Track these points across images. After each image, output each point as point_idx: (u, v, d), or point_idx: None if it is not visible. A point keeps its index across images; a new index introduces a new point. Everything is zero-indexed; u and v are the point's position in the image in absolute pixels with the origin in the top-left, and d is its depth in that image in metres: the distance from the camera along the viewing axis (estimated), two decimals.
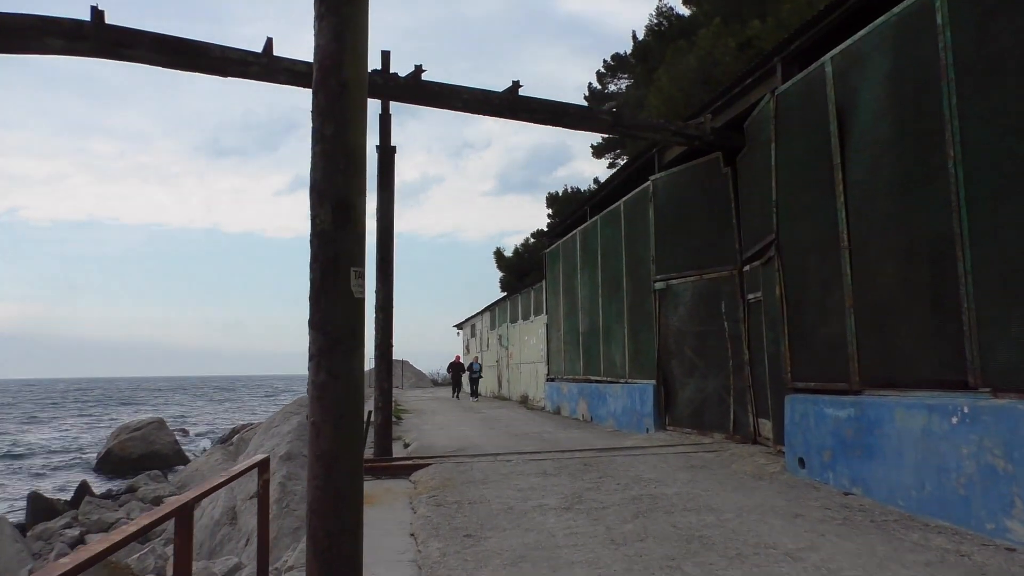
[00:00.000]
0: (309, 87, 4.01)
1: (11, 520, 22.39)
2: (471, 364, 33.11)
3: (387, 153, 11.41)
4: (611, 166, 36.15)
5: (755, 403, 10.98)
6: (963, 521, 5.97)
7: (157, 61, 7.74)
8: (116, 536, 2.22)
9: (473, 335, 40.21)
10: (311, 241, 3.92)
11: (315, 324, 3.83)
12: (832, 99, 8.09)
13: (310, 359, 3.84)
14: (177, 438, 37.90)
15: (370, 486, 9.15)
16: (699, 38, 16.76)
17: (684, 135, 10.57)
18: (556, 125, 9.98)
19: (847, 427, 7.63)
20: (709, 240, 12.08)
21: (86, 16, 7.61)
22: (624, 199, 15.20)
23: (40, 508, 22.56)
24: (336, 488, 3.71)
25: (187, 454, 35.08)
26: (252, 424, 35.22)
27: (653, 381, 13.45)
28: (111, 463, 34.20)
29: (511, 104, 9.38)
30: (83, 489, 24.47)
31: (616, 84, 35.65)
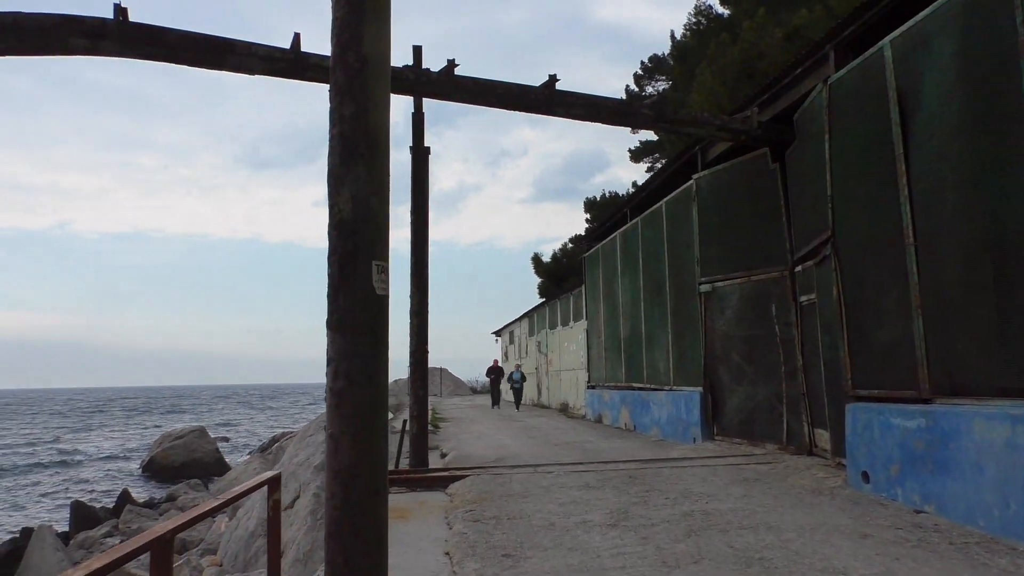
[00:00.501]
0: None
1: (56, 529, 22.64)
2: (511, 373, 29.69)
3: (421, 154, 11.07)
4: (649, 170, 35.54)
5: (810, 412, 10.36)
6: None
7: (182, 59, 7.49)
8: (81, 572, 1.85)
9: (512, 342, 39.81)
10: (328, 233, 3.53)
11: (333, 324, 3.44)
12: (892, 85, 7.52)
13: (328, 363, 3.45)
14: (219, 446, 38.17)
15: (404, 498, 8.77)
16: (743, 30, 16.14)
17: (729, 130, 10.03)
18: (594, 121, 9.52)
19: (917, 439, 7.02)
20: (757, 240, 11.51)
21: (109, 14, 7.39)
22: (666, 199, 14.67)
23: (83, 516, 22.71)
24: (356, 508, 3.30)
25: (228, 462, 35.23)
26: (292, 432, 35.28)
27: (699, 388, 12.88)
28: (154, 471, 34.56)
29: (548, 99, 8.96)
30: (124, 497, 24.60)
31: (654, 86, 35.07)
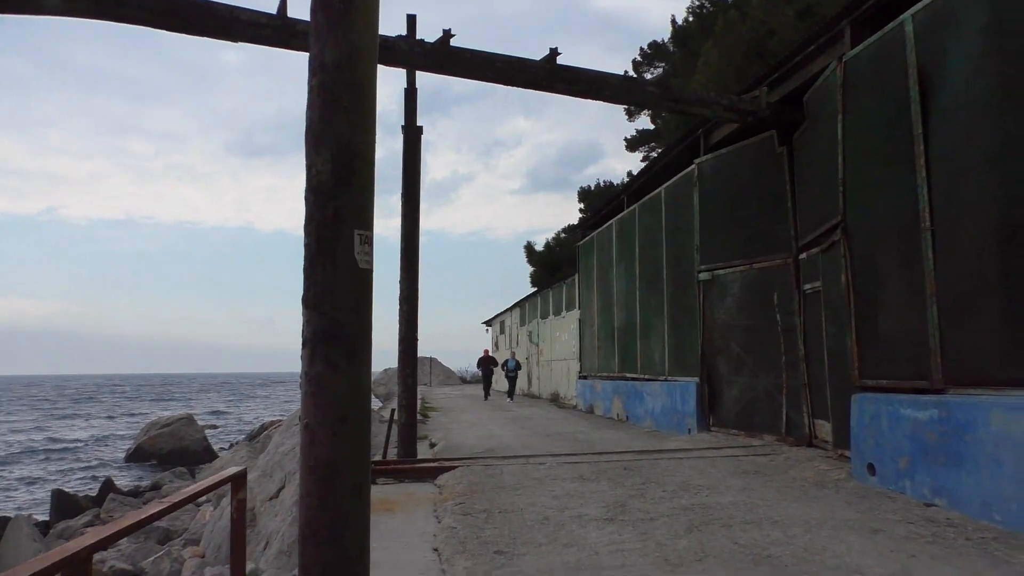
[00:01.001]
0: None
1: (37, 518, 22.21)
2: (506, 361, 28.34)
3: (413, 133, 10.66)
4: (645, 159, 35.14)
5: (811, 402, 10.05)
6: None
7: (159, 22, 7.05)
8: None
9: (502, 332, 39.46)
10: (306, 197, 3.15)
11: (309, 301, 3.06)
12: (913, 62, 7.15)
13: (303, 344, 3.08)
14: (207, 434, 37.76)
15: (392, 490, 8.42)
16: (752, 7, 15.68)
17: (737, 110, 9.66)
18: (596, 98, 9.13)
19: (929, 430, 6.70)
20: (760, 227, 11.16)
21: None
22: (665, 185, 14.30)
23: (64, 505, 22.27)
24: (335, 509, 2.94)
25: (216, 450, 34.86)
26: (280, 421, 34.88)
27: (696, 379, 12.56)
28: (140, 458, 34.17)
29: (548, 74, 8.56)
30: (108, 486, 24.15)
31: (653, 73, 34.63)
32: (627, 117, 37.46)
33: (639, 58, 33.90)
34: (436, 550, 5.73)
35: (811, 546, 5.41)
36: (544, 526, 6.19)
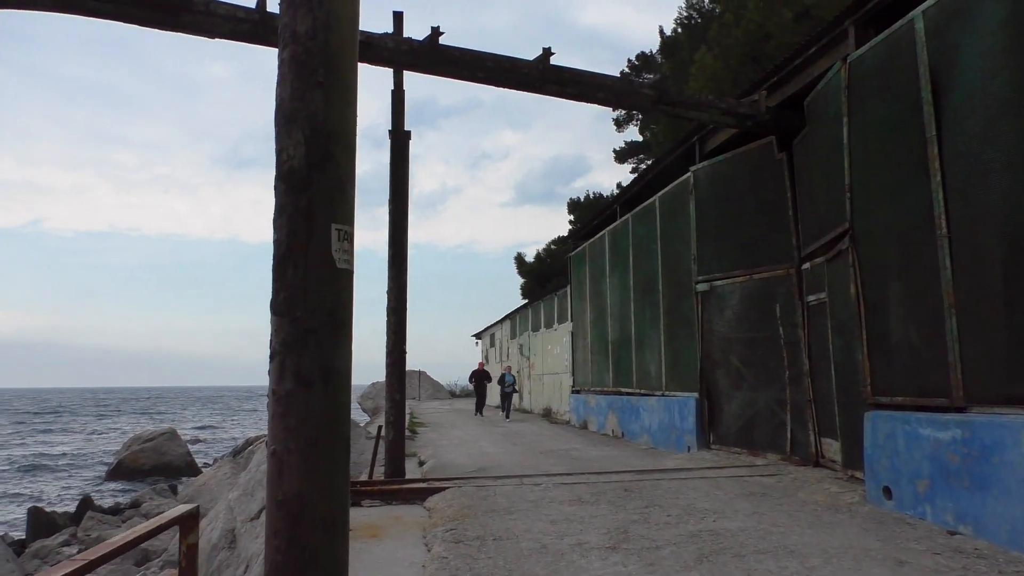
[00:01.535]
0: None
1: (14, 536, 21.48)
2: (502, 375, 25.85)
3: (401, 138, 10.24)
4: (634, 171, 34.88)
5: (817, 420, 9.63)
6: None
7: (130, 16, 6.61)
8: None
9: (492, 345, 38.95)
10: (275, 186, 2.71)
11: (278, 307, 2.62)
12: (924, 61, 6.80)
13: (271, 357, 2.63)
14: (191, 449, 37.04)
15: (378, 513, 7.93)
16: (748, 10, 15.37)
17: (736, 114, 9.29)
18: (590, 101, 8.75)
19: (951, 451, 6.29)
20: (760, 236, 10.78)
21: None
22: (660, 194, 13.92)
23: (41, 523, 21.55)
24: (305, 551, 2.48)
25: (199, 465, 34.18)
26: (264, 437, 34.18)
27: (695, 394, 12.13)
28: (122, 474, 33.40)
29: (540, 75, 8.17)
30: (86, 503, 23.43)
31: None
32: (616, 128, 37.27)
33: (627, 70, 33.71)
34: None
35: None
36: (542, 556, 5.73)
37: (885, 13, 7.70)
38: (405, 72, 8.88)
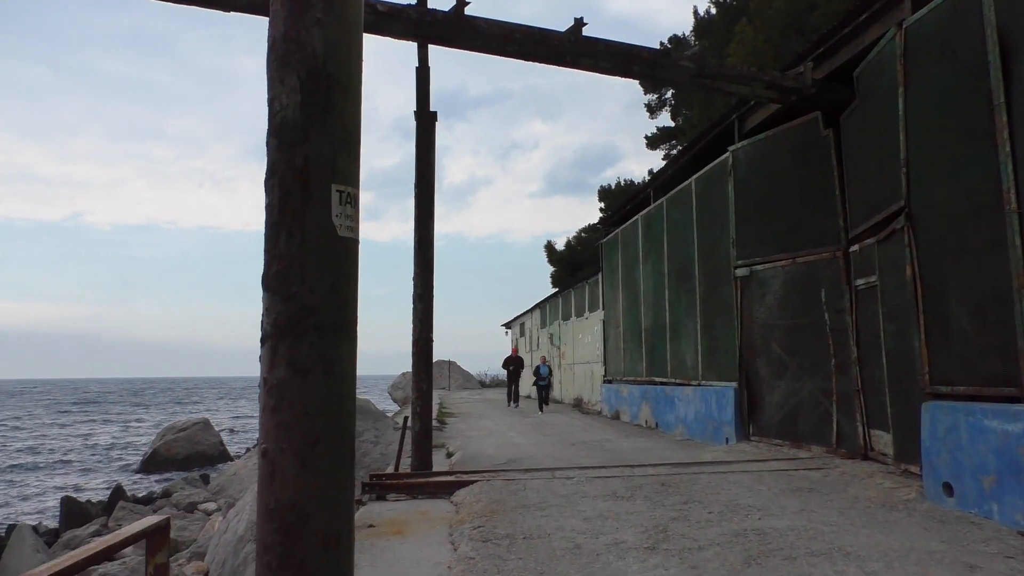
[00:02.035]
0: None
1: (49, 525, 21.66)
2: (537, 367, 23.57)
3: (427, 118, 9.84)
4: (666, 157, 34.16)
5: (865, 410, 9.10)
6: None
7: None
8: None
9: (522, 334, 38.58)
10: (267, 142, 2.32)
11: (270, 282, 2.24)
12: (992, 21, 6.24)
13: (261, 341, 2.25)
14: (224, 438, 37.31)
15: (403, 508, 7.60)
16: None
17: (780, 88, 8.76)
18: (624, 75, 8.28)
19: (1022, 445, 5.77)
20: (804, 217, 10.23)
21: None
22: (696, 176, 13.38)
23: (73, 513, 21.65)
24: (301, 570, 2.10)
25: (232, 454, 34.42)
26: None
27: (734, 383, 11.63)
28: (157, 463, 33.66)
29: (572, 47, 7.72)
30: (117, 493, 23.52)
31: None
32: (648, 114, 36.57)
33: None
34: None
35: None
36: (576, 557, 5.33)
37: None
38: (430, 47, 8.47)
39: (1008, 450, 5.90)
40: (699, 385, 13.13)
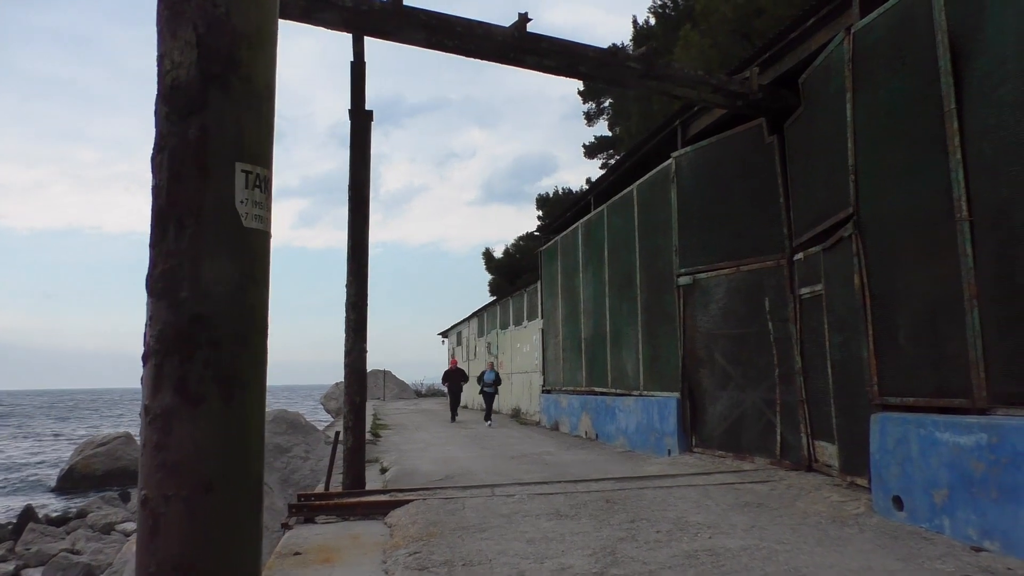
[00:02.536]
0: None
1: None
2: (482, 373, 21.70)
3: (361, 117, 9.33)
4: (603, 167, 34.23)
5: (809, 421, 8.98)
6: None
7: None
8: None
9: (459, 343, 38.07)
10: (156, 110, 1.86)
11: (156, 284, 1.77)
12: (943, 26, 6.14)
13: (143, 359, 1.79)
14: None
15: (333, 532, 7.06)
16: None
17: (726, 92, 8.59)
18: (570, 75, 7.98)
19: (974, 458, 5.64)
20: (748, 225, 10.10)
21: None
22: (638, 183, 13.20)
23: None
24: None
25: None
26: None
27: (676, 394, 11.43)
28: (73, 481, 31.82)
29: (517, 44, 7.37)
30: (27, 514, 22.04)
31: None
32: (586, 122, 36.66)
33: None
34: None
35: None
36: None
37: None
38: (367, 40, 7.98)
39: (960, 463, 5.76)
40: (641, 395, 12.91)
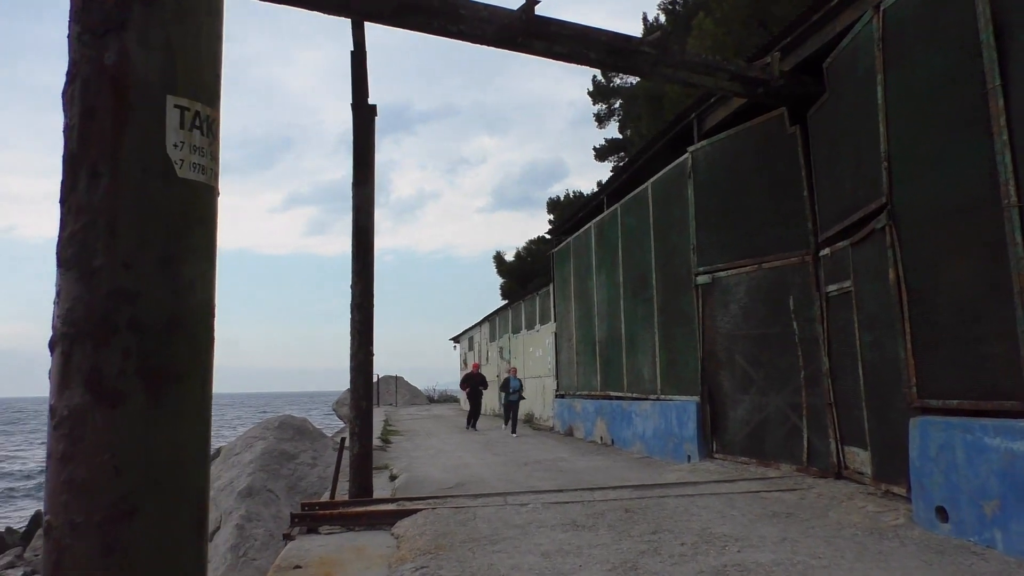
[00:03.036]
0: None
1: None
2: (506, 380, 19.44)
3: (364, 111, 8.97)
4: (614, 170, 33.78)
5: (838, 426, 8.51)
6: None
7: None
8: None
9: (471, 348, 37.67)
10: (68, 32, 1.47)
11: (66, 252, 1.38)
12: None
13: (50, 346, 1.39)
14: None
15: (336, 543, 6.67)
16: None
17: (744, 79, 8.16)
18: (581, 61, 7.58)
19: None
20: (769, 220, 9.66)
21: None
22: (652, 180, 12.77)
23: None
24: None
25: None
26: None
27: (695, 397, 10.98)
28: None
29: (525, 27, 6.97)
30: (36, 520, 21.85)
31: (622, 78, 33.41)
32: (597, 124, 36.27)
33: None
34: None
35: None
36: None
37: None
38: (367, 26, 7.61)
39: (1014, 471, 5.30)
40: (658, 399, 12.46)
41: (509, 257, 38.65)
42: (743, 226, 10.13)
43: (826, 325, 8.71)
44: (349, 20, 7.47)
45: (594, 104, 35.17)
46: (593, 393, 16.31)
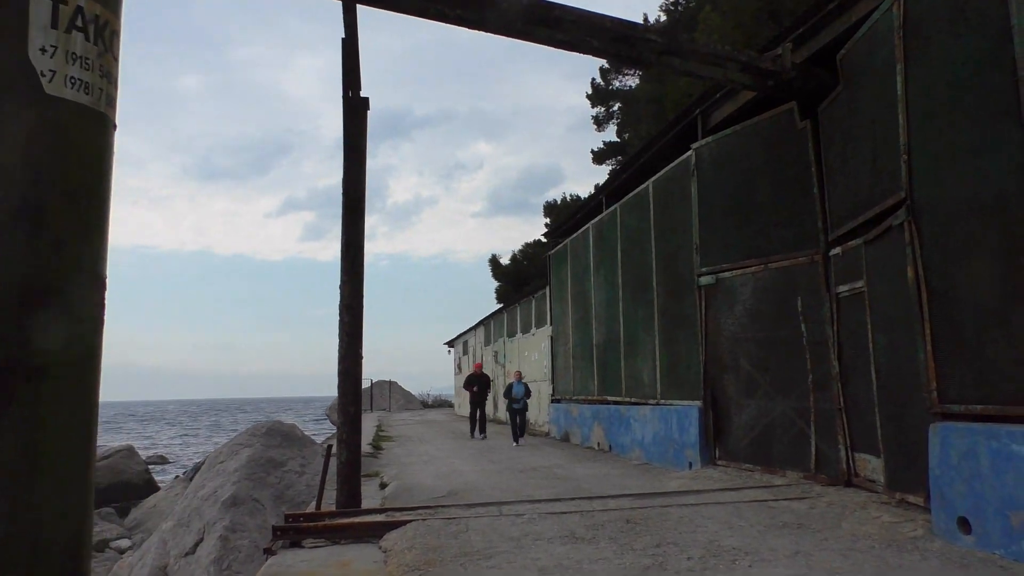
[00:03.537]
0: None
1: None
2: (511, 385, 17.99)
3: (355, 103, 8.59)
4: (613, 171, 33.46)
5: (849, 432, 8.14)
6: None
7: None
8: None
9: (465, 352, 37.25)
10: None
11: None
12: None
13: None
14: (152, 467, 35.02)
15: (321, 558, 6.26)
16: None
17: (755, 71, 7.80)
18: (585, 50, 7.22)
19: None
20: (777, 219, 9.29)
21: None
22: (654, 178, 12.41)
23: None
24: None
25: (160, 484, 32.14)
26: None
27: (697, 402, 10.59)
28: None
29: (525, 11, 6.61)
30: None
31: (621, 81, 33.13)
32: (595, 126, 35.94)
33: (607, 64, 32.36)
34: None
35: None
36: None
37: None
38: (359, 8, 7.22)
39: None
40: (658, 404, 12.08)
41: (505, 260, 38.28)
42: (749, 225, 9.77)
43: (836, 327, 8.34)
44: (340, 3, 7.08)
45: (592, 107, 34.87)
46: (590, 398, 15.92)
